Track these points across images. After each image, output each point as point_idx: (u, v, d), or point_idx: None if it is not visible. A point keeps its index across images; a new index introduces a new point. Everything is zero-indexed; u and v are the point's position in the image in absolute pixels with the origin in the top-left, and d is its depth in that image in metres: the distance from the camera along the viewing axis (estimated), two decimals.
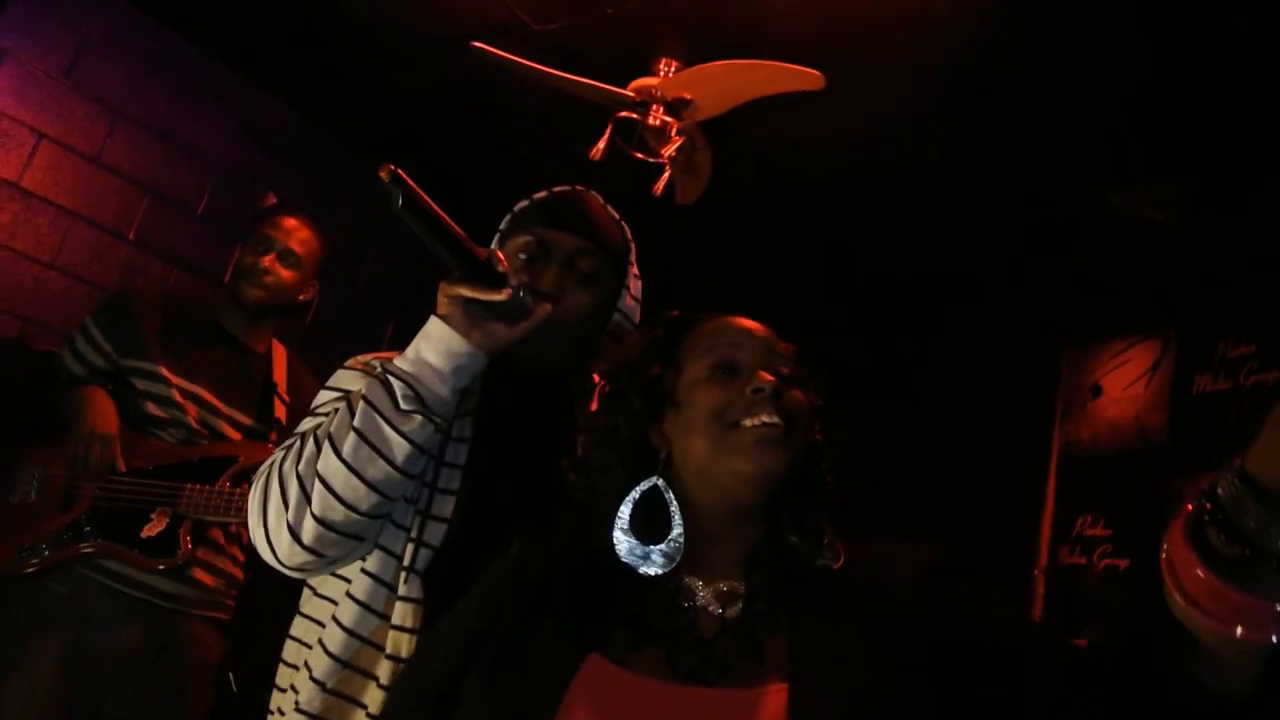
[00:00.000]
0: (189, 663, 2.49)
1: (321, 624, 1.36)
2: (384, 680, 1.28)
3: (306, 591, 1.43)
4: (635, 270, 1.58)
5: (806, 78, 2.91)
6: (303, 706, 1.31)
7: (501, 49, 3.04)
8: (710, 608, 1.08)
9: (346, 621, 1.31)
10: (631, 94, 3.15)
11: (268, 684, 1.43)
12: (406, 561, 1.32)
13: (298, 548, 1.27)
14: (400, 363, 1.32)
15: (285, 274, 2.69)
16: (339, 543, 1.29)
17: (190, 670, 2.50)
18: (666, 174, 3.29)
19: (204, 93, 3.72)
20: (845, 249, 4.27)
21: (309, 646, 1.36)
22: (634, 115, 3.19)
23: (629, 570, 1.09)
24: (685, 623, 1.06)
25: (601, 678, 1.00)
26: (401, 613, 1.30)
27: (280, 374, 2.71)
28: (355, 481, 1.25)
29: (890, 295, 4.43)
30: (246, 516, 2.42)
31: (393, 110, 3.92)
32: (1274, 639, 0.77)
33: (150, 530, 2.43)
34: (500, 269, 1.29)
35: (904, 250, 4.15)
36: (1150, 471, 3.37)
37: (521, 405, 1.45)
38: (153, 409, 2.51)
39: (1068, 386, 3.79)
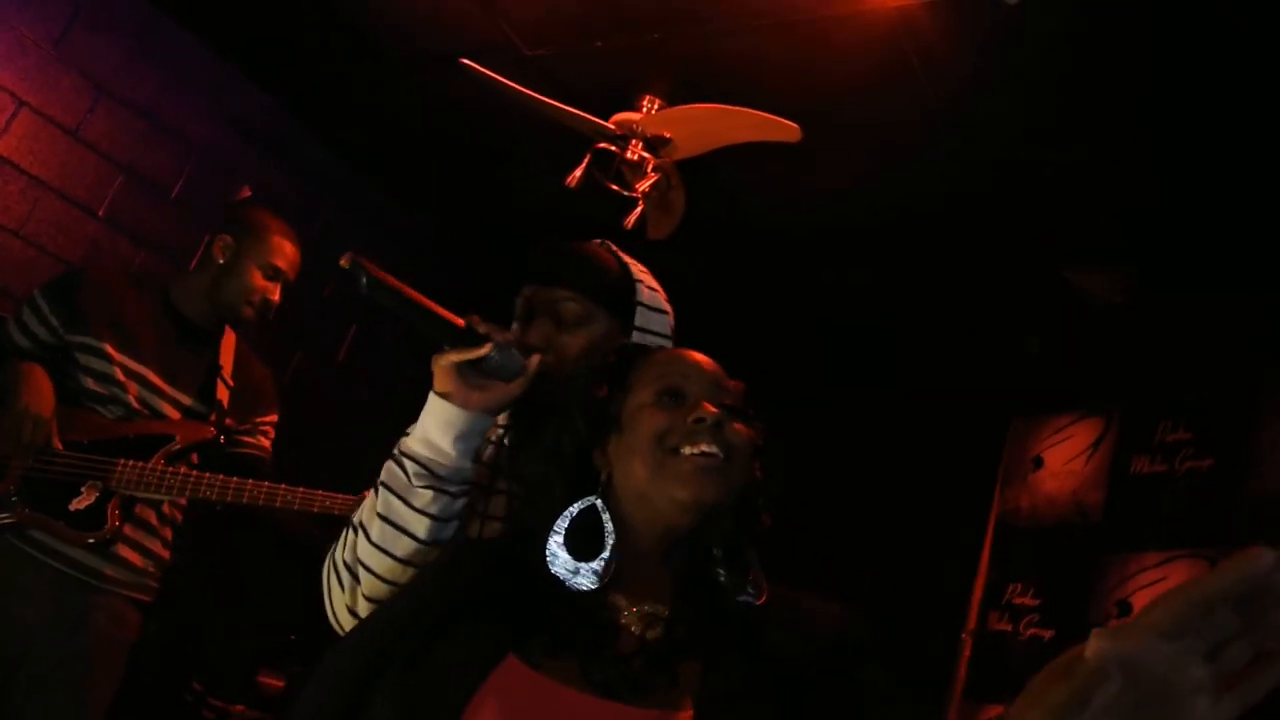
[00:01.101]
0: (105, 640, 2.47)
1: None
2: None
3: None
4: (648, 300, 1.64)
5: (784, 129, 2.98)
6: None
7: (491, 69, 3.09)
8: (632, 627, 1.10)
9: None
10: (613, 126, 3.21)
11: (180, 668, 1.46)
12: None
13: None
14: (411, 443, 1.37)
15: (276, 300, 2.71)
16: None
17: (105, 648, 2.47)
18: (640, 208, 3.34)
19: (192, 79, 3.73)
20: (805, 300, 4.34)
21: None
22: (613, 148, 3.24)
23: (557, 583, 1.11)
24: (605, 638, 1.08)
25: (515, 678, 1.01)
26: None
27: (227, 358, 2.71)
28: (388, 561, 1.34)
29: (846, 347, 4.50)
30: (177, 495, 2.43)
31: (378, 116, 3.96)
32: None
33: (79, 503, 2.41)
34: (480, 330, 1.34)
35: (863, 305, 4.23)
36: (1083, 547, 3.44)
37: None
38: (92, 384, 2.49)
39: (1011, 455, 3.86)
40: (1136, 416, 3.48)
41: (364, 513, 1.38)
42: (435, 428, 1.35)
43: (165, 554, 2.59)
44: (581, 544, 1.14)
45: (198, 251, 3.65)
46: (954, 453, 3.94)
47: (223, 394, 2.65)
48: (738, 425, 1.17)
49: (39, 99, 3.33)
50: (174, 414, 2.58)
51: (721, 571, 1.14)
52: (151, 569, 2.55)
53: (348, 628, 1.35)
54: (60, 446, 2.43)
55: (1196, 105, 2.76)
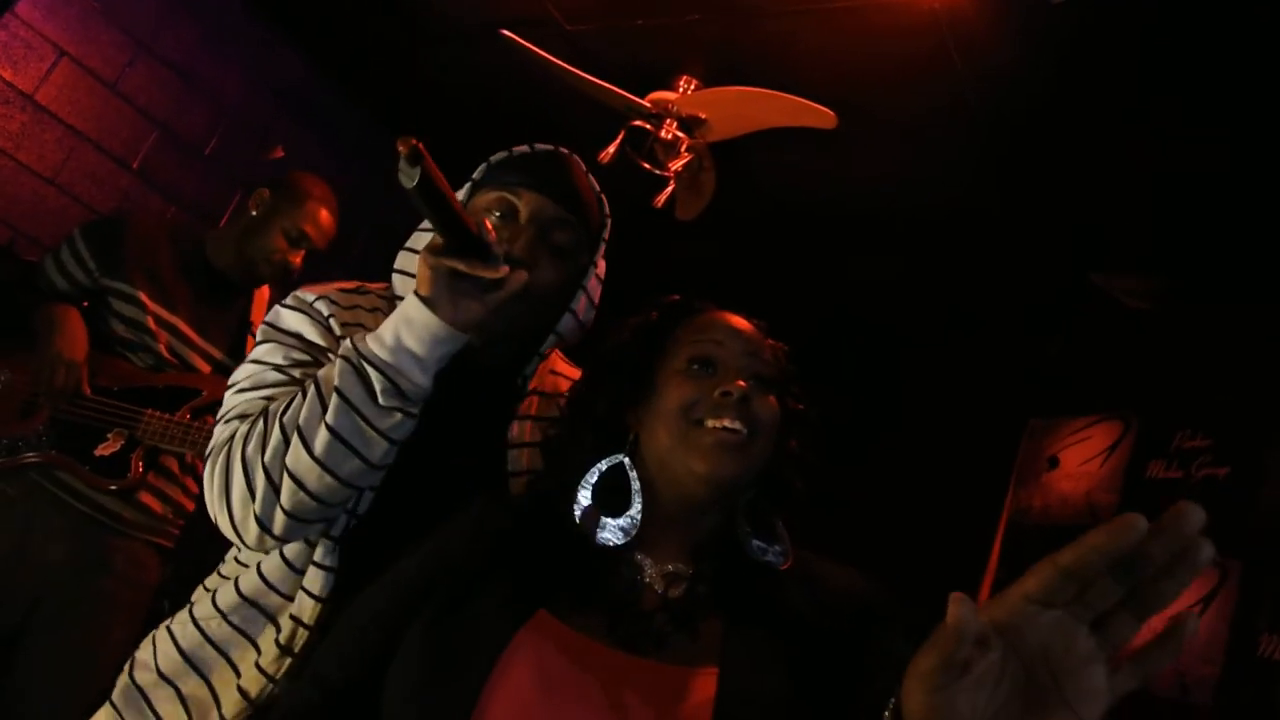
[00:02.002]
0: (124, 582, 2.49)
1: (246, 565, 1.36)
2: (283, 637, 1.27)
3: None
4: (603, 249, 1.49)
5: (820, 115, 2.98)
6: (201, 622, 1.33)
7: (530, 42, 3.10)
8: (655, 585, 1.12)
9: (267, 572, 1.32)
10: (648, 105, 3.22)
11: None
12: (330, 524, 1.28)
13: (267, 538, 1.23)
14: (377, 348, 1.21)
15: (296, 265, 2.71)
16: (307, 529, 1.26)
17: (124, 590, 2.50)
18: (670, 188, 3.35)
19: (231, 40, 3.75)
20: (830, 289, 4.34)
21: (226, 579, 1.36)
22: (647, 126, 3.25)
23: (584, 538, 1.12)
24: (630, 595, 1.10)
25: (546, 630, 1.03)
26: (316, 579, 1.27)
27: (259, 314, 2.72)
28: (329, 479, 1.20)
29: (869, 339, 4.50)
30: (200, 450, 2.44)
31: (414, 83, 3.97)
32: None
33: (104, 449, 2.43)
34: (493, 243, 1.20)
35: (889, 298, 4.23)
36: None
37: (465, 385, 1.35)
38: (123, 331, 2.51)
39: (1026, 454, 3.87)
40: (1155, 422, 3.48)
41: (300, 416, 1.20)
42: (415, 339, 1.19)
43: (187, 502, 2.61)
44: (609, 500, 1.15)
45: (227, 209, 3.71)
46: (970, 450, 3.95)
47: (251, 348, 2.67)
48: (769, 398, 1.17)
49: (79, 50, 3.35)
50: (204, 366, 2.60)
51: (745, 533, 1.16)
52: (172, 515, 2.58)
53: (248, 535, 1.23)
54: (89, 391, 2.45)
55: (1234, 115, 2.75)
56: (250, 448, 1.22)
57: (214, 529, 1.34)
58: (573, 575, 1.10)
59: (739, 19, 3.04)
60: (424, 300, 1.19)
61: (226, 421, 1.30)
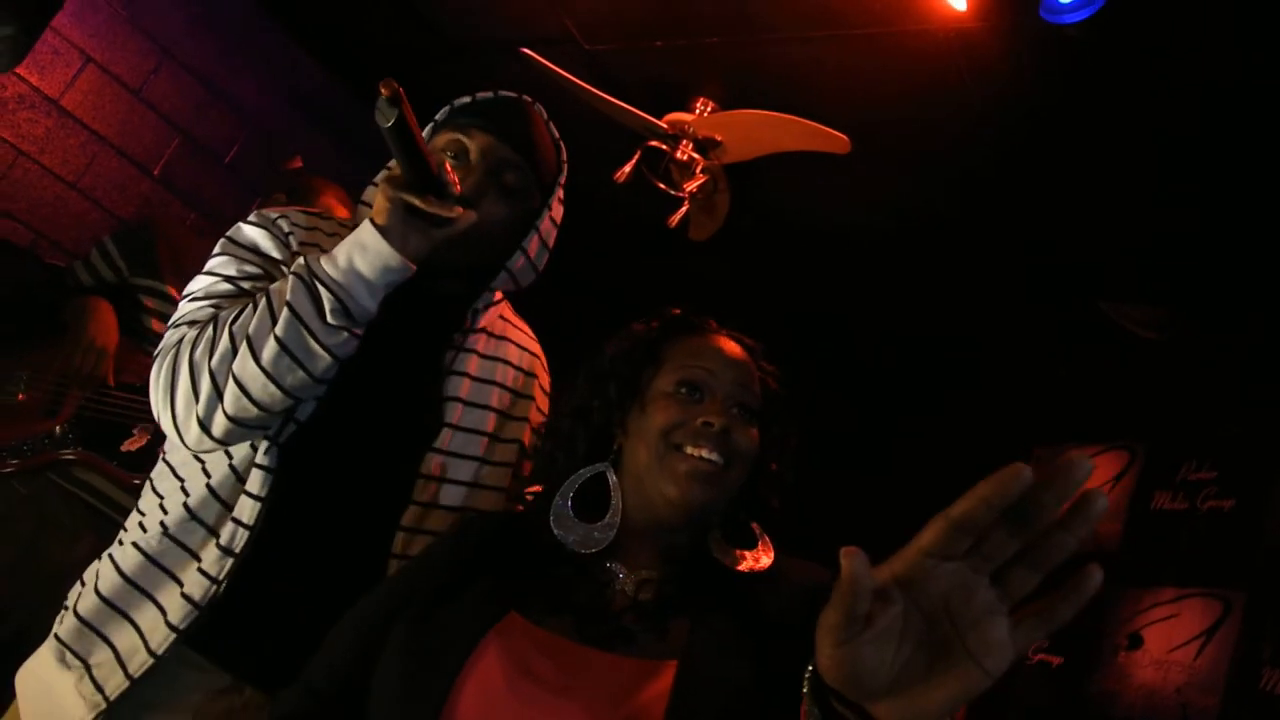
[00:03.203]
0: None
1: (185, 480, 1.38)
2: (223, 539, 1.31)
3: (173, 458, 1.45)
4: (561, 194, 1.54)
5: (834, 140, 3.01)
6: (139, 542, 1.35)
7: (550, 60, 3.13)
8: (626, 589, 1.15)
9: (215, 484, 1.35)
10: (665, 126, 3.25)
11: None
12: (272, 433, 1.32)
13: (206, 439, 1.28)
14: (330, 269, 1.26)
15: None
16: (246, 435, 1.30)
17: None
18: (685, 208, 3.38)
19: (254, 50, 3.80)
20: (838, 313, 4.36)
21: (161, 496, 1.40)
22: (663, 146, 3.29)
23: (560, 547, 1.16)
24: (600, 599, 1.13)
25: (515, 631, 1.07)
26: (256, 479, 1.31)
27: None
28: (272, 388, 1.24)
29: (876, 362, 4.52)
30: None
31: (433, 98, 4.00)
32: None
33: (130, 445, 2.46)
34: (450, 183, 1.27)
35: (897, 322, 4.25)
36: None
37: (414, 311, 1.41)
38: (156, 325, 2.55)
39: None
40: (1162, 453, 3.49)
41: (250, 325, 1.25)
42: (367, 265, 1.25)
43: None
44: (588, 507, 1.19)
45: (246, 216, 3.75)
46: (978, 473, 3.95)
47: None
48: (751, 430, 1.20)
49: (105, 57, 3.40)
50: None
51: (715, 540, 1.18)
52: None
53: (189, 434, 1.28)
54: (113, 382, 2.48)
55: (1244, 144, 2.78)
56: (198, 352, 1.26)
57: None
58: (546, 579, 1.13)
59: (756, 44, 3.07)
60: (378, 229, 1.26)
61: (175, 326, 1.35)
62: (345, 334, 1.26)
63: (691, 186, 3.30)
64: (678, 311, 1.32)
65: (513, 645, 1.05)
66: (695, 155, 3.26)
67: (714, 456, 1.14)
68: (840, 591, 0.71)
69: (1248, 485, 3.20)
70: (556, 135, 1.54)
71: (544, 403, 1.62)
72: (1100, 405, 3.76)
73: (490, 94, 1.51)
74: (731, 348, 1.25)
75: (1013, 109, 2.94)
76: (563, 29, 3.29)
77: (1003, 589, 0.71)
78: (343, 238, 1.39)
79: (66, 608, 1.40)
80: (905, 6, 2.69)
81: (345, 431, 1.36)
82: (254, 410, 1.25)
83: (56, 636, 1.35)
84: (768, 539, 1.21)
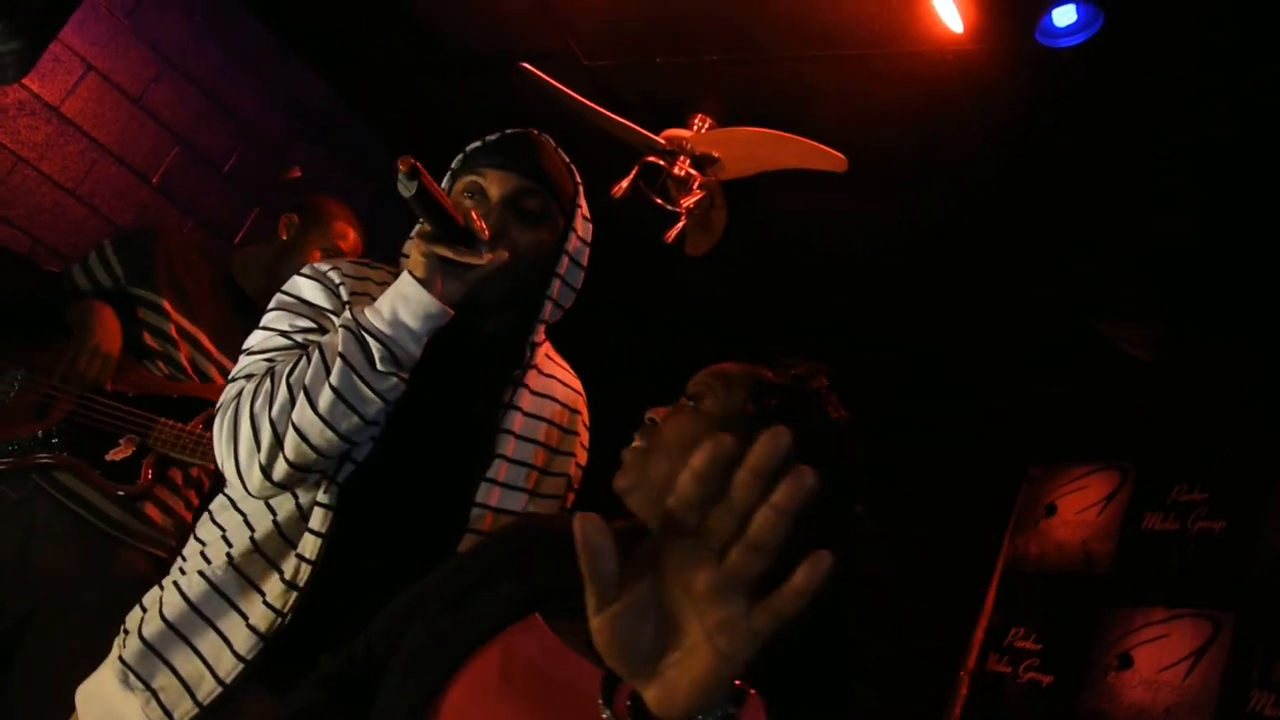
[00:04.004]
0: (120, 592, 2.49)
1: (244, 513, 1.48)
2: (287, 573, 1.40)
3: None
4: (585, 212, 1.62)
5: (831, 159, 3.03)
6: (206, 571, 1.43)
7: (548, 75, 3.15)
8: None
9: (279, 515, 1.44)
10: (663, 141, 3.27)
11: None
12: (331, 472, 1.42)
13: (268, 484, 1.38)
14: (376, 321, 1.37)
15: None
16: (305, 478, 1.40)
17: (120, 600, 2.50)
18: (681, 223, 3.40)
19: (255, 62, 3.82)
20: (833, 330, 4.38)
21: (223, 529, 1.49)
22: (661, 162, 3.30)
23: None
24: None
25: (529, 633, 1.08)
26: (317, 517, 1.41)
27: None
28: (329, 434, 1.34)
29: (870, 380, 4.53)
30: (209, 460, 2.48)
31: (431, 110, 4.03)
32: None
33: (116, 455, 2.46)
34: (478, 230, 1.37)
35: (892, 340, 4.26)
36: (1089, 597, 3.46)
37: (466, 350, 1.52)
38: (148, 339, 2.55)
39: (1025, 500, 3.89)
40: (1153, 474, 3.51)
41: (306, 377, 1.35)
42: (410, 314, 1.36)
43: (187, 516, 2.63)
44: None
45: (243, 227, 3.77)
46: (971, 494, 3.97)
47: None
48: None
49: (106, 65, 3.41)
50: (219, 379, 2.63)
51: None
52: (172, 528, 2.59)
53: (252, 482, 1.37)
54: (110, 387, 2.48)
55: (1238, 164, 2.80)
56: (258, 403, 1.37)
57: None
58: (569, 584, 1.13)
59: (755, 61, 3.10)
60: (417, 280, 1.37)
61: (233, 381, 1.45)
62: (394, 379, 1.37)
63: (688, 202, 3.32)
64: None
65: (517, 648, 1.06)
66: (693, 171, 3.28)
67: None
68: (580, 557, 0.73)
69: (1238, 506, 3.21)
70: (567, 160, 1.63)
71: (586, 438, 1.71)
72: (1092, 425, 3.78)
73: (496, 134, 1.60)
74: (725, 367, 1.33)
75: (1009, 130, 2.97)
76: (562, 44, 3.31)
77: (730, 568, 0.70)
78: (390, 284, 1.51)
79: (128, 631, 1.47)
80: (903, 28, 2.71)
81: (401, 467, 1.46)
82: (312, 455, 1.35)
83: (121, 659, 1.42)
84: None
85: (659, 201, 3.35)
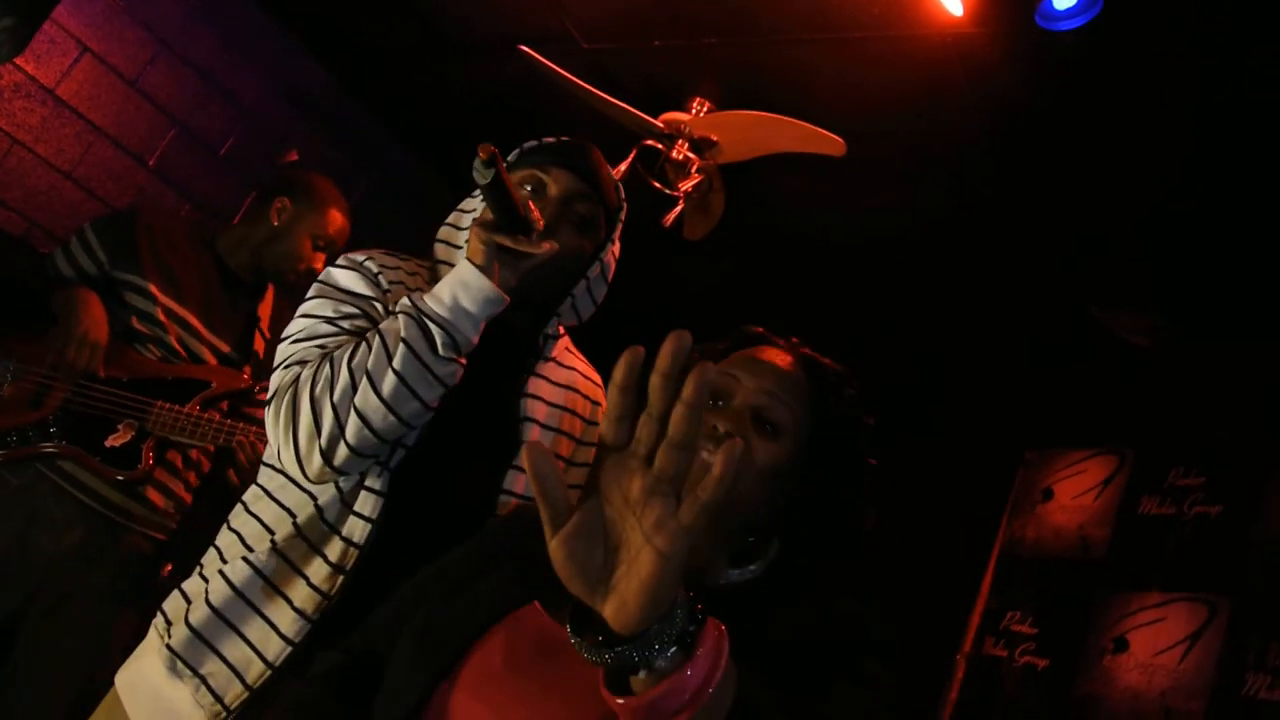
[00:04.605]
0: (121, 576, 2.51)
1: (280, 502, 1.50)
2: (332, 557, 1.43)
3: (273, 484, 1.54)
4: (620, 230, 1.68)
5: (830, 142, 3.02)
6: (250, 558, 1.45)
7: (547, 59, 3.14)
8: None
9: (321, 500, 1.46)
10: (661, 125, 3.26)
11: None
12: (383, 459, 1.45)
13: (328, 469, 1.40)
14: (437, 307, 1.40)
15: (319, 268, 2.77)
16: (363, 463, 1.43)
17: (121, 584, 2.51)
18: (679, 207, 3.39)
19: (252, 44, 3.80)
20: (831, 314, 4.37)
21: (259, 517, 1.52)
22: (659, 146, 3.29)
23: None
24: None
25: (530, 619, 1.08)
26: (367, 502, 1.44)
27: (266, 310, 2.76)
28: (391, 419, 1.37)
29: (869, 365, 4.53)
30: (209, 442, 2.48)
31: (430, 94, 4.01)
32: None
33: (115, 440, 2.46)
34: (535, 220, 1.42)
35: (890, 325, 4.26)
36: (1085, 581, 3.47)
37: (495, 342, 1.52)
38: (135, 323, 2.54)
39: (1022, 484, 3.89)
40: (1150, 459, 3.52)
41: (369, 362, 1.38)
42: (470, 300, 1.40)
43: (187, 497, 2.63)
44: None
45: (240, 209, 3.76)
46: (965, 479, 3.97)
47: (259, 345, 2.71)
48: (769, 444, 1.16)
49: (102, 47, 3.40)
50: (211, 359, 2.63)
51: (721, 562, 1.17)
52: (173, 510, 2.60)
53: (311, 467, 1.39)
54: (103, 374, 2.47)
55: (1237, 153, 2.79)
56: (318, 389, 1.38)
57: (211, 525, 1.55)
58: None
59: (753, 44, 3.08)
60: (477, 267, 1.41)
61: (286, 368, 1.46)
62: (454, 364, 1.40)
63: (687, 186, 3.31)
64: (755, 330, 1.32)
65: (520, 633, 1.06)
66: (691, 155, 3.27)
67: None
68: (531, 484, 0.77)
69: (1235, 491, 3.22)
70: (616, 177, 1.69)
71: None
72: (1090, 410, 3.78)
73: (554, 139, 1.65)
74: (774, 358, 1.22)
75: (1008, 113, 2.96)
76: (561, 28, 3.29)
77: (659, 470, 0.75)
78: (421, 275, 1.61)
79: (171, 621, 1.48)
80: (902, 11, 2.70)
81: (446, 454, 1.50)
82: (373, 440, 1.38)
83: (168, 646, 1.43)
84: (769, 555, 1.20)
85: (657, 185, 3.34)
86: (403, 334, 1.38)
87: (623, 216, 1.67)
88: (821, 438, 1.19)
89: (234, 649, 1.42)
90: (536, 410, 1.60)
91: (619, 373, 0.75)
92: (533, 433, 1.58)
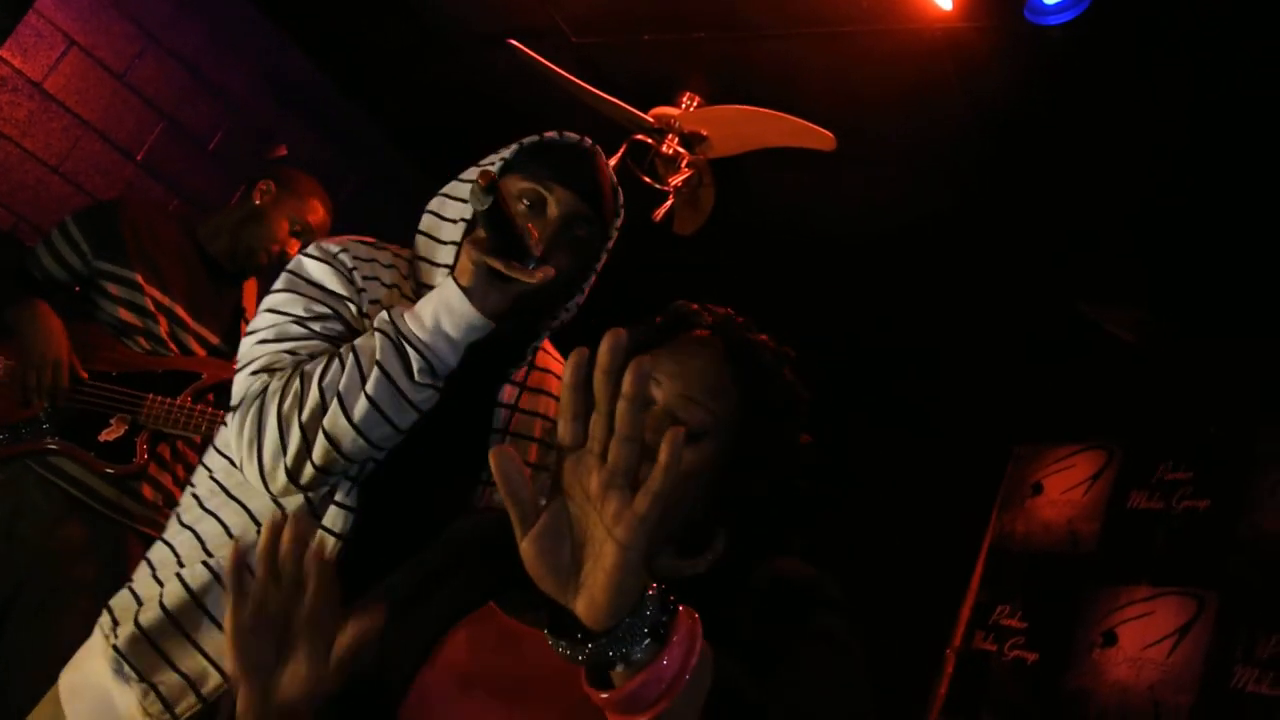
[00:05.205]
0: (109, 570, 2.48)
1: (243, 504, 1.43)
2: None
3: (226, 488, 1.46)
4: (617, 232, 1.59)
5: (819, 137, 3.02)
6: (211, 564, 1.38)
7: (537, 52, 3.13)
8: None
9: (288, 509, 1.39)
10: (651, 120, 3.25)
11: None
12: (352, 473, 1.38)
13: (292, 487, 1.33)
14: (417, 329, 1.33)
15: (293, 254, 2.74)
16: (328, 482, 1.37)
17: (108, 579, 2.47)
18: (670, 202, 3.39)
19: (240, 39, 3.79)
20: (821, 310, 4.38)
21: (218, 518, 1.43)
22: (649, 140, 3.29)
23: None
24: None
25: (488, 621, 1.07)
26: (336, 518, 1.38)
27: (250, 303, 2.75)
28: (361, 442, 1.31)
29: (858, 361, 4.53)
30: (202, 433, 2.46)
31: (419, 90, 4.00)
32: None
33: (108, 435, 2.44)
34: (532, 246, 1.33)
35: (880, 321, 4.27)
36: (1074, 576, 3.49)
37: (480, 354, 1.43)
38: (126, 315, 2.51)
39: (1012, 479, 3.91)
40: (1138, 453, 3.53)
41: (340, 383, 1.30)
42: (453, 325, 1.32)
43: (176, 491, 2.61)
44: None
45: (229, 204, 3.74)
46: (958, 472, 3.98)
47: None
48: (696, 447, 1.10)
49: (89, 41, 3.38)
50: (200, 351, 2.61)
51: (667, 552, 1.14)
52: (162, 503, 2.58)
53: (275, 484, 1.32)
54: (86, 376, 2.46)
55: (1226, 151, 2.80)
56: (286, 405, 1.31)
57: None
58: (521, 574, 1.09)
59: (743, 39, 3.08)
60: (464, 290, 1.32)
61: (253, 373, 1.38)
62: (430, 390, 1.33)
63: (677, 181, 3.31)
64: (688, 308, 1.23)
65: (481, 635, 1.05)
66: (681, 150, 3.26)
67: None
68: (499, 487, 0.80)
69: (1223, 485, 3.23)
70: (615, 180, 1.58)
71: None
72: (1078, 405, 3.80)
73: (557, 136, 1.52)
74: (704, 360, 1.14)
75: (998, 108, 2.96)
76: (550, 22, 3.29)
77: (612, 464, 0.77)
78: (398, 269, 1.51)
79: (118, 621, 1.42)
80: (891, 5, 2.70)
81: (418, 469, 1.43)
82: (341, 461, 1.32)
83: (114, 647, 1.37)
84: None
85: (647, 180, 3.34)
86: (378, 356, 1.31)
87: (619, 224, 1.58)
88: (752, 426, 1.14)
89: (189, 660, 1.36)
90: (510, 420, 1.55)
91: (567, 373, 0.78)
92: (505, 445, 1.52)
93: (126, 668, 1.35)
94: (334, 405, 1.30)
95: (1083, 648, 3.29)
